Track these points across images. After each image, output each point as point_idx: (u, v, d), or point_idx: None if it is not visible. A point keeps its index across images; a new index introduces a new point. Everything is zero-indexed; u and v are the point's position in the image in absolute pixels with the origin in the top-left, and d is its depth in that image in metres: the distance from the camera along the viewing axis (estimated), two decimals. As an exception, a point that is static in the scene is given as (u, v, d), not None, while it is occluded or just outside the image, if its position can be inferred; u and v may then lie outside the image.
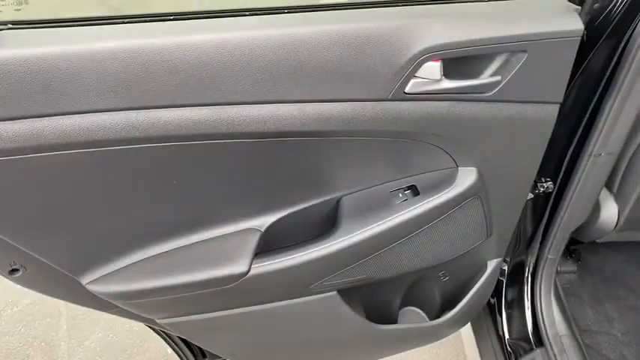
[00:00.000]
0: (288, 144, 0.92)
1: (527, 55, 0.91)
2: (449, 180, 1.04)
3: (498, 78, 0.92)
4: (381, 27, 0.85)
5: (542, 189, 1.22)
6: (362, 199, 1.04)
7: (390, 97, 0.89)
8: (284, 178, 0.98)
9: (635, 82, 1.03)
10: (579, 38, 0.92)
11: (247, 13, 0.86)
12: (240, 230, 1.00)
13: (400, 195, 1.05)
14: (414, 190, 1.06)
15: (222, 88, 0.83)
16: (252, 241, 0.98)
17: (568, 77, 0.96)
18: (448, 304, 1.35)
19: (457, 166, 1.04)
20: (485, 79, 0.93)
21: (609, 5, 0.98)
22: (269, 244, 1.03)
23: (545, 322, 1.38)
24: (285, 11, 0.87)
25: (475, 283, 1.29)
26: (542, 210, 1.32)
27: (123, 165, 0.86)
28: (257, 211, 1.01)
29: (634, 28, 0.99)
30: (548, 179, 1.23)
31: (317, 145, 0.94)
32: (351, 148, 0.97)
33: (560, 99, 0.99)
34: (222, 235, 0.99)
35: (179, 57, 0.80)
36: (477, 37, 0.88)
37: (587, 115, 1.12)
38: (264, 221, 1.01)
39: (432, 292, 1.35)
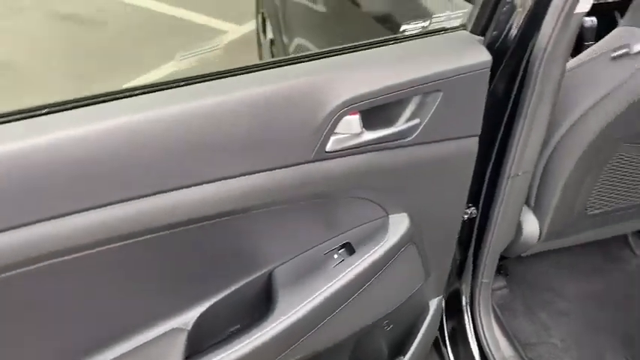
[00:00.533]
0: (206, 228, 0.81)
1: (442, 93, 0.88)
2: (382, 230, 0.98)
3: (417, 121, 0.88)
4: (293, 87, 0.78)
5: (466, 216, 1.21)
6: (296, 268, 0.95)
7: (312, 158, 0.81)
8: (207, 263, 0.86)
9: (540, 101, 1.05)
10: (489, 69, 0.91)
11: (137, 92, 0.74)
12: (165, 333, 0.86)
13: (335, 256, 0.97)
14: (349, 248, 0.98)
15: (122, 182, 0.70)
16: (179, 345, 0.85)
17: (483, 109, 0.94)
18: (396, 352, 1.29)
19: (388, 214, 0.98)
20: (404, 124, 0.88)
21: (506, 31, 0.99)
22: (201, 340, 0.90)
23: (492, 349, 1.36)
24: (182, 84, 0.76)
25: (420, 326, 1.24)
26: (469, 236, 1.31)
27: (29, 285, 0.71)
28: (182, 306, 0.88)
29: (531, 51, 1.00)
30: (471, 205, 1.22)
31: (239, 222, 0.84)
32: (277, 218, 0.88)
33: (478, 131, 0.97)
34: (146, 343, 0.85)
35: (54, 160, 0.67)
36: (391, 83, 0.83)
37: (500, 139, 1.12)
38: (192, 315, 0.88)
39: (379, 344, 1.28)
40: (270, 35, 2.54)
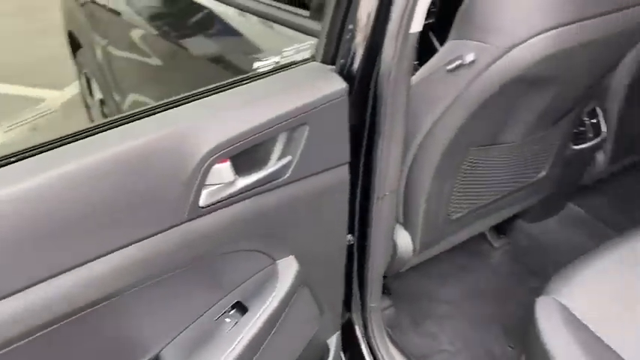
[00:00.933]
0: (74, 323, 0.67)
1: (308, 126, 0.85)
2: (272, 279, 0.92)
3: (289, 158, 0.85)
4: (152, 142, 0.69)
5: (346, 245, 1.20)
6: (187, 342, 0.84)
7: (186, 218, 0.73)
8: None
9: (393, 120, 1.07)
10: (347, 96, 0.91)
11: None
12: None
13: (227, 320, 0.88)
14: (241, 307, 0.90)
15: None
16: None
17: (348, 136, 0.94)
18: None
19: (275, 260, 0.92)
20: (276, 164, 0.84)
21: (351, 58, 1.00)
22: None
23: (394, 374, 1.36)
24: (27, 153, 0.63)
25: (323, 370, 1.19)
26: (350, 264, 1.30)
27: None
28: None
29: (377, 74, 1.03)
30: (348, 233, 1.21)
31: (113, 307, 0.71)
32: (157, 291, 0.77)
33: (348, 158, 0.96)
34: None
35: None
36: (255, 123, 0.79)
37: (363, 163, 1.13)
38: None
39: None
40: (98, 95, 2.36)
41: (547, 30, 1.00)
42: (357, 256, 1.27)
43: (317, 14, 1.16)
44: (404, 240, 1.41)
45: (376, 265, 1.28)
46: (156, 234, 0.70)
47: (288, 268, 0.93)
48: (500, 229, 1.84)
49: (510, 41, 1.02)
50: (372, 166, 1.12)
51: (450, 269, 1.81)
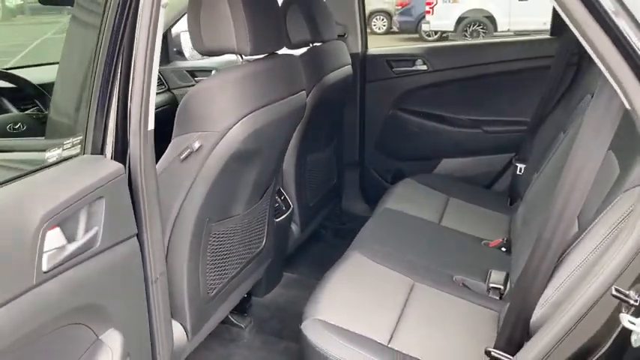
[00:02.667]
0: None
1: (104, 199, 0.97)
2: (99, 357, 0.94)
3: (96, 228, 0.94)
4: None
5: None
6: None
7: (35, 282, 0.75)
8: None
9: (149, 208, 1.24)
10: (123, 175, 1.06)
11: None
12: None
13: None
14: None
15: None
16: None
17: (132, 211, 1.08)
18: None
19: (97, 336, 0.95)
20: (87, 233, 0.92)
21: (112, 148, 1.15)
22: None
23: None
24: None
25: None
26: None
27: None
28: None
29: (129, 164, 1.20)
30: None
31: None
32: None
33: (135, 230, 1.08)
34: None
35: None
36: (69, 195, 0.88)
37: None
38: None
39: None
40: None
41: (246, 114, 1.37)
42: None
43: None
44: (176, 329, 1.49)
45: (163, 353, 1.34)
46: (7, 302, 0.70)
47: (112, 343, 0.96)
48: (243, 309, 2.07)
49: (224, 126, 1.35)
50: (143, 249, 1.24)
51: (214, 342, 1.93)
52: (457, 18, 11.39)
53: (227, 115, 1.34)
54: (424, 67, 2.55)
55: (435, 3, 11.61)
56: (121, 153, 1.12)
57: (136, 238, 1.11)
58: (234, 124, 1.35)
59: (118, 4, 1.04)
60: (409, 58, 2.58)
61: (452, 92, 2.55)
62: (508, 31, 10.98)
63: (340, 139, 2.66)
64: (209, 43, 1.38)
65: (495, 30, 11.11)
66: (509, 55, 2.43)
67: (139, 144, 1.15)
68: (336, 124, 2.54)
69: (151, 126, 1.19)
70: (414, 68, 2.57)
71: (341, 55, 2.34)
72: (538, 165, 2.17)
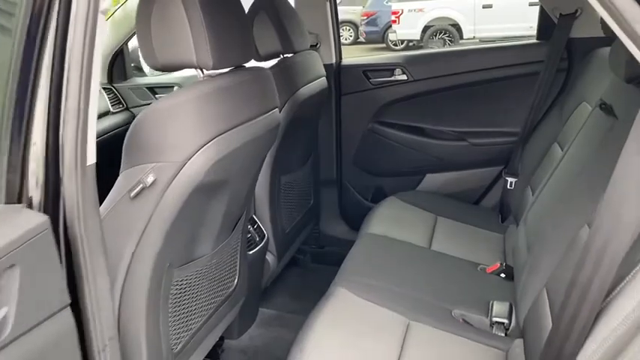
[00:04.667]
0: None
1: (18, 268, 0.73)
2: None
3: (6, 308, 0.70)
4: None
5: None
6: None
7: None
8: None
9: (93, 259, 1.01)
10: (47, 229, 0.82)
11: None
12: None
13: None
14: None
15: None
16: None
17: (63, 274, 0.84)
18: None
19: None
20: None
21: (38, 193, 0.92)
22: None
23: None
24: None
25: None
26: None
27: None
28: None
29: (64, 211, 0.97)
30: None
31: None
32: None
33: (68, 299, 0.85)
34: None
35: None
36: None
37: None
38: None
39: None
40: None
41: (209, 140, 1.15)
42: None
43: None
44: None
45: None
46: None
47: None
48: (214, 356, 1.84)
49: (183, 156, 1.12)
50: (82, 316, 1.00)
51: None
52: (423, 27, 11.40)
53: (185, 142, 1.12)
54: (403, 77, 2.37)
55: (400, 12, 11.64)
56: (51, 198, 0.89)
57: (69, 308, 0.87)
58: (195, 153, 1.12)
59: (34, 8, 0.81)
60: (387, 68, 2.39)
61: (434, 103, 2.38)
62: (474, 38, 11.08)
63: (316, 155, 2.45)
64: (163, 56, 1.16)
65: (461, 37, 11.18)
66: (494, 62, 2.26)
67: (75, 184, 0.92)
68: (311, 141, 2.33)
69: (92, 159, 0.96)
70: (392, 78, 2.39)
71: (315, 66, 2.14)
72: (532, 179, 2.00)
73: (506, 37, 10.69)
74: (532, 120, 2.18)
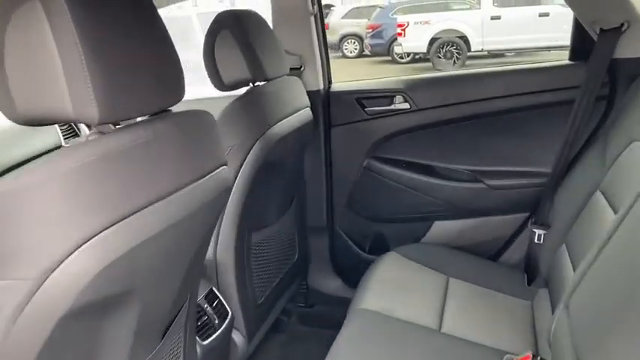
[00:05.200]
0: None
1: None
2: None
3: None
4: None
5: None
6: None
7: None
8: None
9: None
10: None
11: None
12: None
13: None
14: None
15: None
16: None
17: None
18: None
19: None
20: None
21: None
22: None
23: None
24: None
25: None
26: None
27: None
28: None
29: None
30: None
31: None
32: None
33: None
34: None
35: None
36: None
37: None
38: None
39: None
40: None
41: (94, 235, 0.72)
42: None
43: None
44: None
45: None
46: None
47: None
48: None
49: (44, 266, 0.70)
50: None
51: None
52: (429, 39, 11.06)
53: (49, 246, 0.70)
54: (405, 106, 1.96)
55: (406, 25, 11.37)
56: None
57: None
58: (64, 260, 0.71)
59: None
60: (386, 94, 1.98)
61: (444, 136, 1.96)
62: (482, 50, 10.78)
63: (302, 199, 2.04)
64: (25, 106, 0.75)
65: (469, 50, 10.86)
66: (518, 87, 1.84)
67: None
68: (294, 183, 1.92)
69: None
70: (392, 107, 1.97)
71: (295, 95, 1.74)
72: (569, 235, 1.58)
73: (517, 49, 10.39)
74: (565, 158, 1.75)
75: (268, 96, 1.56)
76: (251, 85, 1.56)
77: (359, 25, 12.83)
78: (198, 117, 0.96)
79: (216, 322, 1.43)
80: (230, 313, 1.50)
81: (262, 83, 1.58)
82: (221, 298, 1.50)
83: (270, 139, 1.50)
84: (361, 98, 1.99)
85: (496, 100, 1.86)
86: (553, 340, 1.34)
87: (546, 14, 10.12)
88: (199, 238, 0.98)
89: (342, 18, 13.16)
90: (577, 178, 1.71)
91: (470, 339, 1.47)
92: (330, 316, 1.86)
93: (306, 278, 2.18)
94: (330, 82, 2.04)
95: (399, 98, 1.96)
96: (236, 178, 1.46)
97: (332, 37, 11.78)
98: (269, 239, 1.72)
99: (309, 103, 1.82)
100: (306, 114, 1.76)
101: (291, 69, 1.86)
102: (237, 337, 1.58)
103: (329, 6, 13.37)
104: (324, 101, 2.00)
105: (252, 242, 1.61)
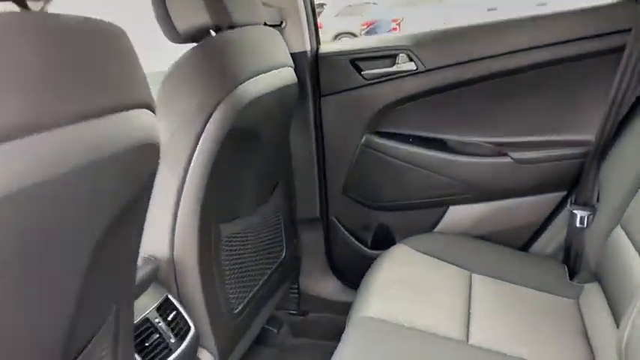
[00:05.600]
0: None
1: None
2: None
3: None
4: None
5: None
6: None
7: None
8: None
9: None
10: None
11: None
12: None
13: None
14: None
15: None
16: None
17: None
18: None
19: None
20: None
21: None
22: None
23: None
24: None
25: None
26: None
27: None
28: None
29: None
30: None
31: None
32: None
33: None
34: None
35: None
36: None
37: None
38: None
39: None
40: None
41: None
42: None
43: None
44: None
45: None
46: None
47: None
48: None
49: None
50: None
51: None
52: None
53: None
54: (411, 66, 1.60)
55: (401, 19, 11.11)
56: None
57: None
58: None
59: None
60: (387, 54, 1.62)
61: (459, 102, 1.61)
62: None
63: (289, 184, 1.69)
64: None
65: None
66: (549, 36, 1.48)
67: None
68: (276, 164, 1.57)
69: None
70: (395, 69, 1.62)
71: (273, 48, 1.39)
72: (625, 217, 1.23)
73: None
74: (612, 123, 1.40)
75: (235, 45, 1.21)
76: (212, 32, 1.22)
77: (352, 23, 12.59)
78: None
79: (172, 340, 1.08)
80: (193, 328, 1.15)
81: (229, 31, 1.23)
82: (180, 308, 1.15)
83: (239, 100, 1.15)
84: (357, 60, 1.64)
85: (521, 55, 1.51)
86: (628, 351, 0.98)
87: (544, 4, 9.91)
88: (104, 215, 0.62)
89: (336, 16, 12.90)
90: (628, 146, 1.36)
91: (506, 352, 1.13)
92: (328, 325, 1.70)
93: (297, 280, 1.83)
94: (318, 43, 1.69)
95: (402, 58, 1.61)
96: (193, 152, 1.11)
97: (325, 36, 11.53)
98: (245, 233, 1.37)
99: (292, 63, 1.47)
100: (288, 74, 1.41)
101: (269, 26, 1.51)
102: (206, 357, 1.23)
103: (321, 5, 13.10)
104: (312, 65, 1.64)
105: (221, 236, 1.26)
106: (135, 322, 1.02)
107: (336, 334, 1.22)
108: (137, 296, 1.07)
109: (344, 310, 1.41)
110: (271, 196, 1.52)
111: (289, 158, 1.67)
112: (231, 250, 1.30)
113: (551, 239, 1.60)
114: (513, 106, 1.57)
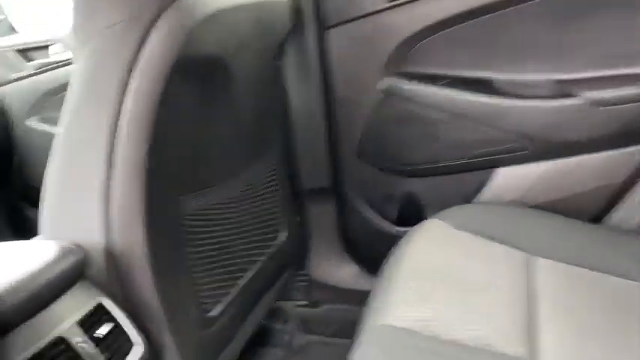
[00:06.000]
0: None
1: None
2: None
3: None
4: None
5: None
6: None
7: None
8: None
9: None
10: None
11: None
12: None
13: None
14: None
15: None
16: None
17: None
18: None
19: None
20: None
21: None
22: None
23: None
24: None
25: None
26: None
27: None
28: None
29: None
30: None
31: None
32: None
33: None
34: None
35: None
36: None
37: None
38: None
39: None
40: None
41: None
42: None
43: None
44: None
45: None
46: None
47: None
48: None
49: None
50: None
51: None
52: None
53: None
54: (444, -17, 1.20)
55: None
56: None
57: None
58: None
59: None
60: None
61: (508, 27, 1.20)
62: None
63: (287, 146, 1.33)
64: None
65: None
66: None
67: None
68: (261, 117, 1.20)
69: None
70: (422, -13, 1.22)
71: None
72: None
73: None
74: None
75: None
76: None
77: None
78: None
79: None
80: (140, 346, 0.81)
81: None
82: (121, 318, 0.80)
83: (190, 11, 0.78)
84: (371, -24, 1.24)
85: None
86: None
87: None
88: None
89: None
90: None
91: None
92: (343, 319, 1.43)
93: (304, 266, 1.49)
94: (320, -43, 1.30)
95: (431, -30, 1.21)
96: (124, 91, 0.76)
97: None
98: (220, 208, 1.01)
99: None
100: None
101: None
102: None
103: None
104: (312, -13, 1.26)
105: (182, 213, 0.91)
106: (38, 345, 0.68)
107: (352, 330, 0.92)
108: (47, 304, 0.73)
109: (362, 300, 1.08)
110: (260, 160, 1.16)
111: (286, 109, 1.30)
112: (198, 233, 0.94)
113: (635, 209, 1.21)
114: (584, 27, 1.16)
